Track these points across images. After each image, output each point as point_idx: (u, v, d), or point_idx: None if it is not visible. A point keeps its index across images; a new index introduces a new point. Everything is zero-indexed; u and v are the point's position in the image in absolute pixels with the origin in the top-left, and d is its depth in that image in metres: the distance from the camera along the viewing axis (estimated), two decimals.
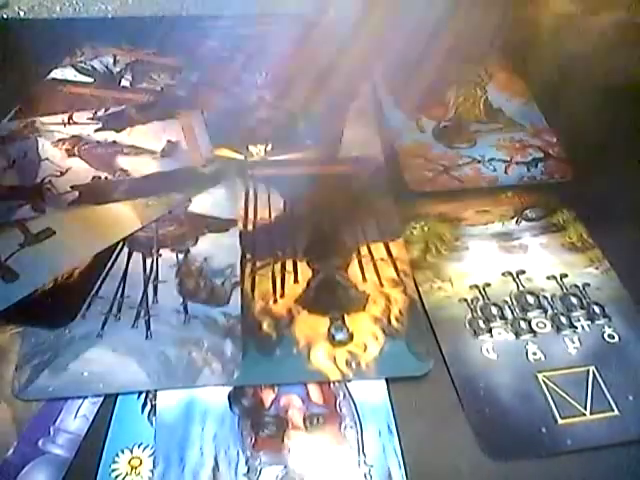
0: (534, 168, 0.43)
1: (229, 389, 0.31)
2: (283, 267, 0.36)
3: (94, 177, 0.42)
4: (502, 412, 0.30)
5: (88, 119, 0.47)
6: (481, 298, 0.35)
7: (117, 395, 0.31)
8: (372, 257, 0.37)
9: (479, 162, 0.43)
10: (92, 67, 0.53)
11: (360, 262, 0.37)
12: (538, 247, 0.38)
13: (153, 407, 0.30)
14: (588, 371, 0.32)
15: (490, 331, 0.33)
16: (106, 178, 0.42)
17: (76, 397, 0.31)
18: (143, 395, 0.31)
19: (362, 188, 0.42)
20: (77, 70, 0.52)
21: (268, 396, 0.31)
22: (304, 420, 0.30)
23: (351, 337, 0.33)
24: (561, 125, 0.46)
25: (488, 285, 0.36)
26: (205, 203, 0.40)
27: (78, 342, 0.32)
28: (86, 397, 0.31)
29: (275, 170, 0.43)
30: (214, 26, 0.58)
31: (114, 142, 0.45)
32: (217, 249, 0.37)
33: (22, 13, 0.59)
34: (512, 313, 0.34)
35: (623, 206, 0.39)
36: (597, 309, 0.34)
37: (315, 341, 0.33)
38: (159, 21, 0.59)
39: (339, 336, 0.33)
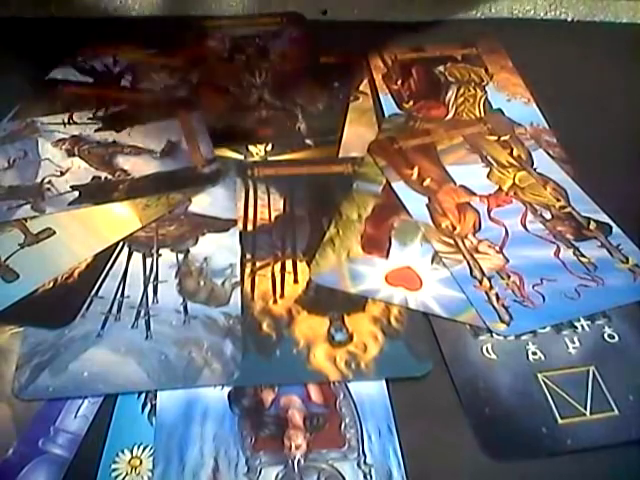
0: None
1: (229, 389, 0.31)
2: (283, 267, 0.36)
3: (94, 177, 0.42)
4: (502, 412, 0.30)
5: (88, 119, 0.47)
6: None
7: (117, 395, 0.31)
8: None
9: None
10: (92, 67, 0.53)
11: None
12: None
13: (153, 407, 0.30)
14: (588, 371, 0.32)
15: (490, 331, 0.33)
16: (106, 178, 0.42)
17: (76, 397, 0.31)
18: (143, 395, 0.31)
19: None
20: (77, 70, 0.52)
21: (268, 396, 0.31)
22: (304, 420, 0.30)
23: (351, 337, 0.33)
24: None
25: None
26: (205, 203, 0.40)
27: (78, 342, 0.32)
28: (86, 397, 0.31)
29: (275, 170, 0.43)
30: (214, 26, 0.58)
31: (114, 142, 0.45)
32: (217, 249, 0.37)
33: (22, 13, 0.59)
34: None
35: (623, 206, 0.39)
36: None
37: (315, 341, 0.33)
38: (159, 21, 0.59)
39: (339, 336, 0.33)
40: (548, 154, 0.44)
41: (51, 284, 0.35)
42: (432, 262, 0.36)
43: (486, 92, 0.50)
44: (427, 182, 0.41)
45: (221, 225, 0.39)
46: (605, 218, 0.39)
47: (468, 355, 0.32)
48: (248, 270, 0.36)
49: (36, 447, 0.29)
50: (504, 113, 0.48)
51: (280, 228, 0.39)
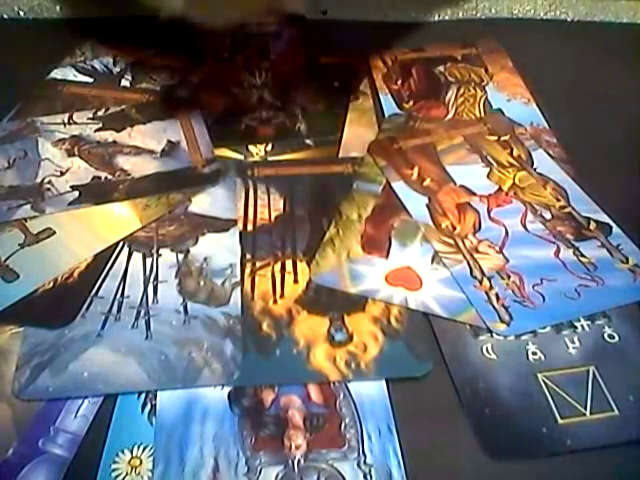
0: None
1: (229, 389, 0.31)
2: (283, 267, 0.36)
3: (94, 177, 0.42)
4: (502, 412, 0.30)
5: (88, 119, 0.47)
6: None
7: (117, 395, 0.31)
8: None
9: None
10: (92, 67, 0.53)
11: None
12: None
13: (153, 407, 0.30)
14: (588, 371, 0.32)
15: (490, 331, 0.33)
16: (106, 178, 0.42)
17: (76, 397, 0.31)
18: (143, 395, 0.31)
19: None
20: (77, 70, 0.52)
21: (268, 396, 0.31)
22: (304, 420, 0.30)
23: (351, 337, 0.33)
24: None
25: None
26: (205, 203, 0.40)
27: (78, 342, 0.32)
28: (86, 397, 0.31)
29: (275, 170, 0.43)
30: (215, 26, 0.58)
31: (114, 142, 0.45)
32: (217, 249, 0.37)
33: (22, 13, 0.59)
34: None
35: (623, 206, 0.39)
36: None
37: (315, 341, 0.33)
38: (159, 21, 0.59)
39: (339, 336, 0.33)
40: (548, 154, 0.44)
41: (51, 284, 0.35)
42: (432, 262, 0.36)
43: (486, 92, 0.50)
44: (427, 182, 0.41)
45: (221, 225, 0.39)
46: (605, 218, 0.39)
47: (468, 355, 0.32)
48: (248, 270, 0.36)
49: (36, 447, 0.29)
50: (504, 113, 0.48)
51: (280, 228, 0.39)
